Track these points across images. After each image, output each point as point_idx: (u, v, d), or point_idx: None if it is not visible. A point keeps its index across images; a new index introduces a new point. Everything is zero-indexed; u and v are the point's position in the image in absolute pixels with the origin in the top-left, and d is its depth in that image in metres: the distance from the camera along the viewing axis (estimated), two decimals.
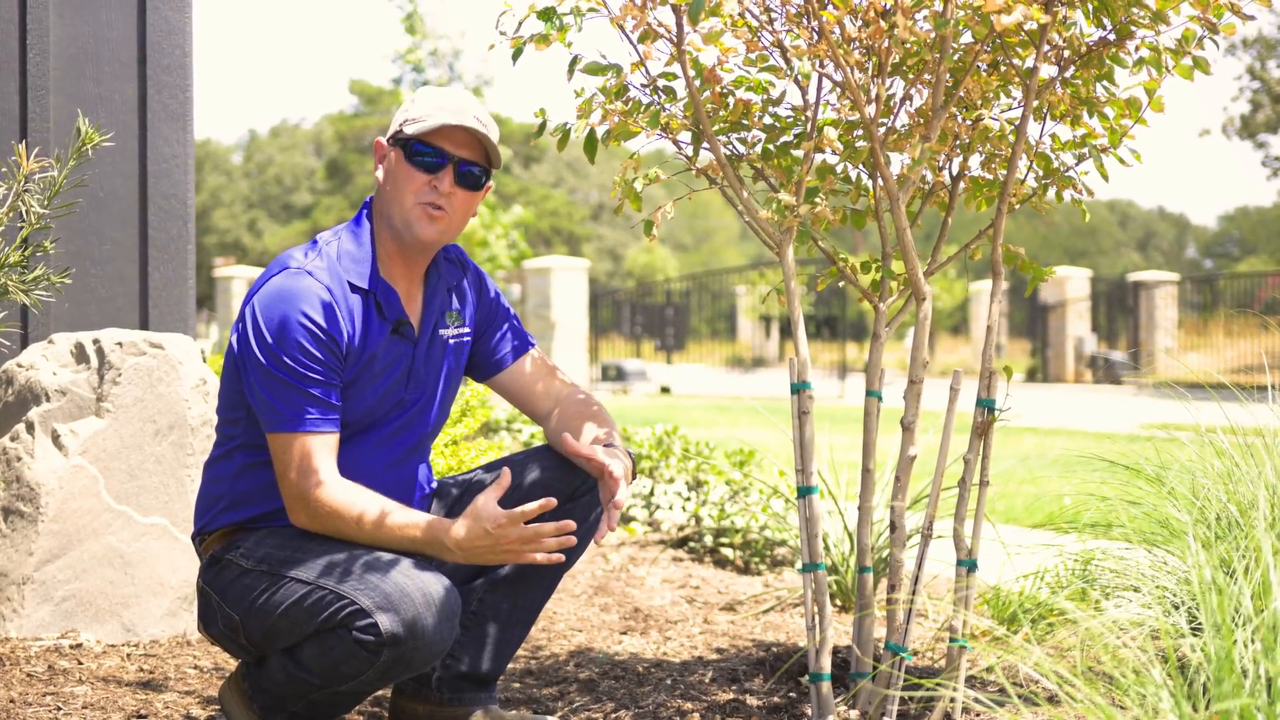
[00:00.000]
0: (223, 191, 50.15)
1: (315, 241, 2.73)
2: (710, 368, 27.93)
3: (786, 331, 30.70)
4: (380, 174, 2.75)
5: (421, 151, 2.68)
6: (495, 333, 2.90)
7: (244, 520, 2.70)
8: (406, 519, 2.57)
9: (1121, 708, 1.97)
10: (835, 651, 3.26)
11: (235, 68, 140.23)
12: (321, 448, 2.57)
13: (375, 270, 2.70)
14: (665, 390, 20.81)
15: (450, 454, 3.88)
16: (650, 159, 3.12)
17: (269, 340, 2.57)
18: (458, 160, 2.69)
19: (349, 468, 2.67)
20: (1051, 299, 24.67)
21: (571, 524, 2.54)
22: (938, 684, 2.82)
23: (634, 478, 2.80)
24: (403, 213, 2.69)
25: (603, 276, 48.19)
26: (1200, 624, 2.38)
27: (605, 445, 2.72)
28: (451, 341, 2.83)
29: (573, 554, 2.81)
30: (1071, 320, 24.51)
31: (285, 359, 2.56)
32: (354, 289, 2.67)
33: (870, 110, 2.74)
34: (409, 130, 2.69)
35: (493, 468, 2.89)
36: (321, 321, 2.58)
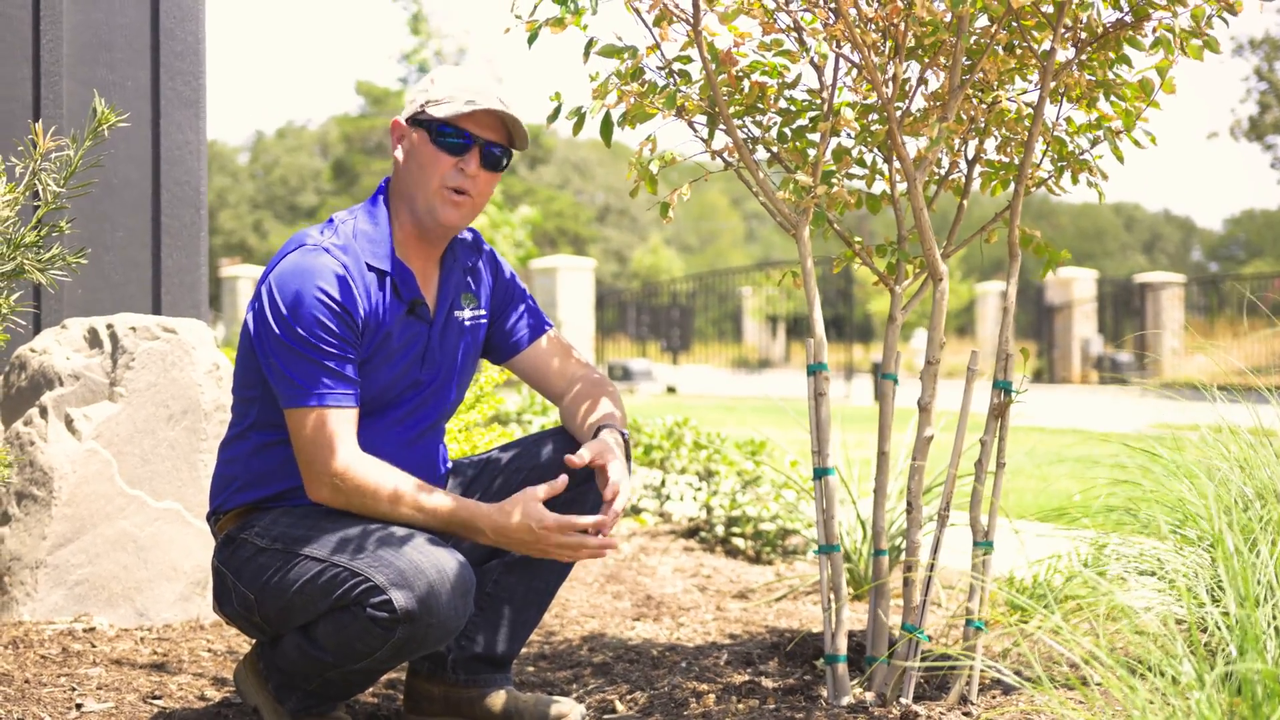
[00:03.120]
0: (229, 192, 50.19)
1: (331, 220, 2.72)
2: (716, 368, 27.89)
3: (793, 332, 30.67)
4: (400, 155, 2.72)
5: (447, 133, 2.67)
6: (512, 314, 2.90)
7: (259, 500, 2.70)
8: (437, 497, 2.57)
9: (1143, 677, 1.96)
10: (850, 635, 3.25)
11: (242, 69, 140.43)
12: (342, 421, 2.56)
13: (392, 250, 2.70)
14: (671, 390, 20.80)
15: (464, 439, 3.88)
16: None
17: (286, 315, 2.56)
18: (483, 142, 2.69)
19: (365, 446, 2.67)
20: (1058, 300, 24.65)
21: (614, 541, 2.58)
22: (956, 657, 2.81)
23: (629, 459, 2.79)
24: (426, 197, 2.68)
25: (608, 277, 48.20)
26: (1220, 603, 2.37)
27: (604, 427, 2.72)
28: (467, 324, 2.82)
29: None
30: (1078, 321, 24.49)
31: (303, 333, 2.55)
32: (370, 268, 2.66)
33: (887, 91, 2.73)
34: (434, 112, 2.67)
35: (508, 449, 2.89)
36: (338, 296, 2.58)
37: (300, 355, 2.55)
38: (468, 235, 2.89)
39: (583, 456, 2.61)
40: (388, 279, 2.68)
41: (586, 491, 2.74)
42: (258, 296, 2.63)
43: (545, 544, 2.54)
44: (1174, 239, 72.36)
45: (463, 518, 2.56)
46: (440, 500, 2.57)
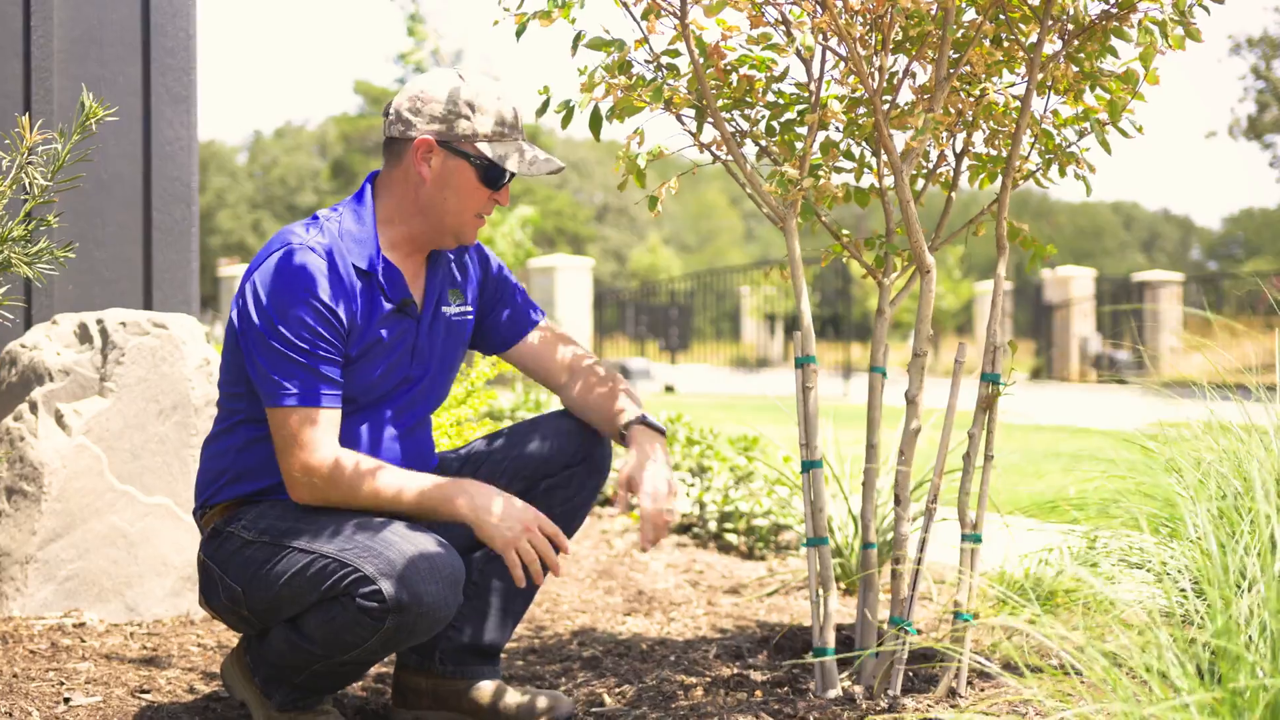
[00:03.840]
0: (227, 192, 50.18)
1: (315, 217, 2.70)
2: (715, 368, 27.87)
3: (791, 331, 30.71)
4: (426, 174, 2.67)
5: (495, 173, 2.68)
6: (503, 307, 2.90)
7: (247, 494, 2.69)
8: (418, 476, 2.57)
9: (1129, 670, 1.96)
10: (839, 629, 3.25)
11: (240, 69, 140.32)
12: (326, 423, 2.56)
13: (378, 250, 2.69)
14: (670, 389, 20.79)
15: (456, 434, 3.88)
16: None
17: (270, 315, 2.55)
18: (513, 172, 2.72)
19: (354, 442, 2.66)
20: (1056, 299, 24.65)
21: (555, 567, 2.54)
22: (944, 650, 2.81)
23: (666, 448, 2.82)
24: (458, 223, 2.70)
25: (607, 277, 48.22)
26: (1204, 595, 2.37)
27: (636, 423, 2.71)
28: (454, 319, 2.82)
29: (570, 522, 2.82)
30: (1076, 320, 24.49)
31: (287, 333, 2.54)
32: (356, 270, 2.65)
33: (873, 83, 2.73)
34: (487, 151, 2.66)
35: (494, 439, 2.88)
36: (324, 297, 2.57)
37: (284, 356, 2.55)
38: None
39: (632, 496, 2.61)
40: (373, 280, 2.67)
41: (571, 476, 2.75)
42: (241, 294, 2.61)
43: (528, 537, 2.51)
44: (1173, 238, 72.41)
45: (447, 488, 2.54)
46: (422, 478, 2.56)
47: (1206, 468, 3.06)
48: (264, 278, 2.59)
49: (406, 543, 2.47)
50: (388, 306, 2.69)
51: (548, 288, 19.66)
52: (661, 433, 2.73)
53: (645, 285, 33.43)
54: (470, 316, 2.86)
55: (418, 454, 2.79)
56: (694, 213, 61.53)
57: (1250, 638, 1.99)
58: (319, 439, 2.55)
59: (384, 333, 2.68)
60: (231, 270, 25.70)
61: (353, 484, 2.54)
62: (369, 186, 2.74)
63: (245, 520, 2.64)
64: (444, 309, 2.80)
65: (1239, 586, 2.09)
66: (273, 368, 2.55)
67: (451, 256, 2.84)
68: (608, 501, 5.54)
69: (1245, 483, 2.99)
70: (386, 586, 2.42)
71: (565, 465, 2.76)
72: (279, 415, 2.56)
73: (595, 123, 2.86)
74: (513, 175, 2.70)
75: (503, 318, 2.90)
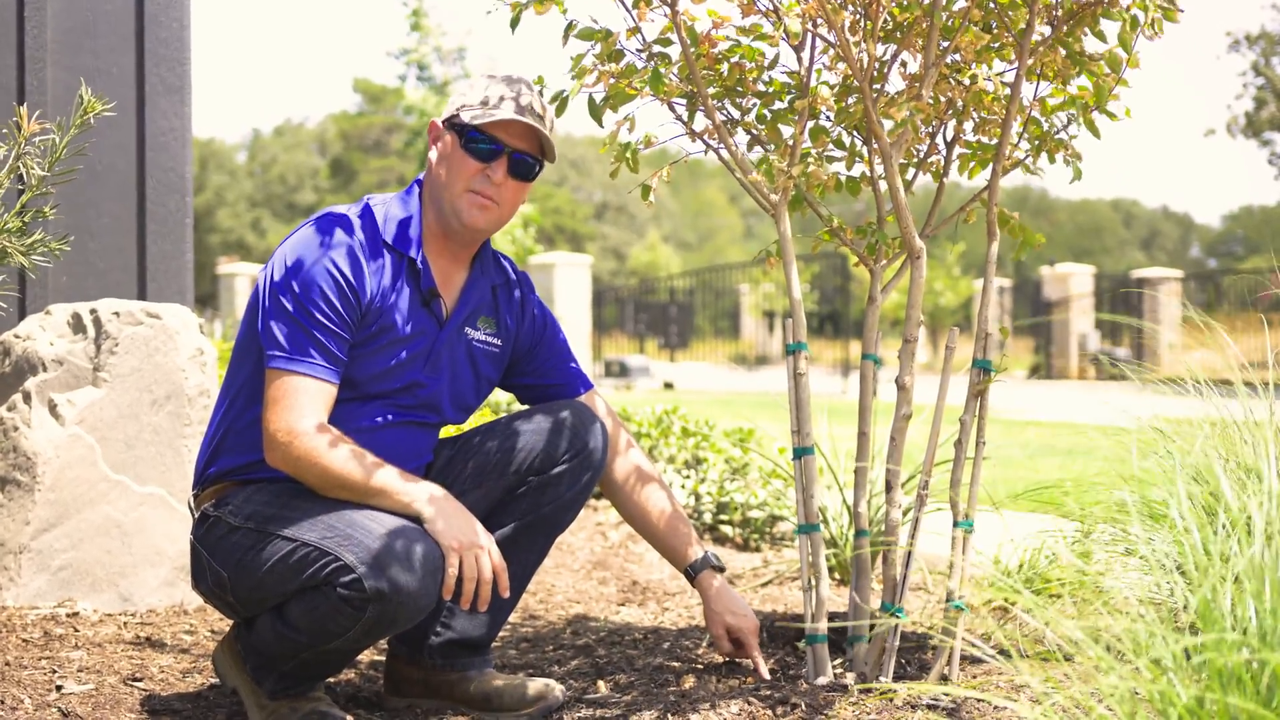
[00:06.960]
0: (226, 190, 50.17)
1: (363, 200, 2.78)
2: (714, 365, 27.88)
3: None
4: (434, 156, 2.76)
5: (477, 140, 2.71)
6: (554, 362, 2.97)
7: (235, 467, 2.69)
8: (391, 472, 2.55)
9: (1119, 655, 1.96)
10: (832, 617, 3.24)
11: (239, 67, 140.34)
12: (315, 392, 2.57)
13: (419, 238, 2.73)
14: (669, 386, 20.80)
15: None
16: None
17: (289, 277, 2.60)
18: (512, 150, 2.72)
19: (347, 432, 2.66)
20: (1055, 296, 24.64)
21: (484, 600, 2.54)
22: (936, 636, 2.81)
23: (722, 569, 3.01)
24: (452, 199, 2.72)
25: (606, 275, 48.21)
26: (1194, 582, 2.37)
27: (701, 568, 2.96)
28: (477, 344, 2.83)
29: (561, 518, 2.82)
30: (1075, 317, 24.48)
31: (301, 297, 2.58)
32: (391, 250, 2.69)
33: (863, 70, 2.73)
34: (466, 117, 2.71)
35: (485, 430, 2.88)
36: (345, 270, 2.61)
37: (292, 318, 2.58)
38: (505, 262, 2.92)
39: (734, 649, 2.94)
40: (406, 263, 2.71)
41: (562, 474, 2.76)
42: (272, 257, 2.68)
43: (475, 553, 2.50)
44: (1172, 235, 72.44)
45: (416, 485, 2.54)
46: (395, 470, 2.56)
47: (1205, 463, 3.06)
48: (293, 240, 2.66)
49: (388, 532, 2.45)
50: (415, 296, 2.72)
51: (546, 285, 19.64)
52: (722, 570, 2.98)
53: (644, 283, 33.43)
54: (496, 349, 2.87)
55: (413, 456, 2.77)
56: (693, 210, 61.53)
57: (1234, 618, 1.99)
58: (306, 405, 2.56)
59: (406, 324, 2.70)
60: (230, 268, 25.68)
61: (325, 458, 2.52)
62: (417, 184, 2.82)
63: (233, 505, 2.64)
64: (469, 329, 2.82)
65: (1222, 571, 2.09)
66: (279, 327, 2.58)
67: (496, 280, 2.87)
68: (601, 495, 5.55)
69: (1242, 476, 3.00)
70: (366, 576, 2.41)
71: (555, 462, 2.76)
72: (274, 376, 2.58)
73: (594, 110, 2.86)
74: (500, 148, 2.71)
75: (551, 378, 2.96)
